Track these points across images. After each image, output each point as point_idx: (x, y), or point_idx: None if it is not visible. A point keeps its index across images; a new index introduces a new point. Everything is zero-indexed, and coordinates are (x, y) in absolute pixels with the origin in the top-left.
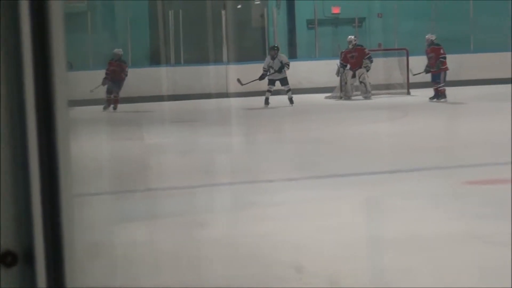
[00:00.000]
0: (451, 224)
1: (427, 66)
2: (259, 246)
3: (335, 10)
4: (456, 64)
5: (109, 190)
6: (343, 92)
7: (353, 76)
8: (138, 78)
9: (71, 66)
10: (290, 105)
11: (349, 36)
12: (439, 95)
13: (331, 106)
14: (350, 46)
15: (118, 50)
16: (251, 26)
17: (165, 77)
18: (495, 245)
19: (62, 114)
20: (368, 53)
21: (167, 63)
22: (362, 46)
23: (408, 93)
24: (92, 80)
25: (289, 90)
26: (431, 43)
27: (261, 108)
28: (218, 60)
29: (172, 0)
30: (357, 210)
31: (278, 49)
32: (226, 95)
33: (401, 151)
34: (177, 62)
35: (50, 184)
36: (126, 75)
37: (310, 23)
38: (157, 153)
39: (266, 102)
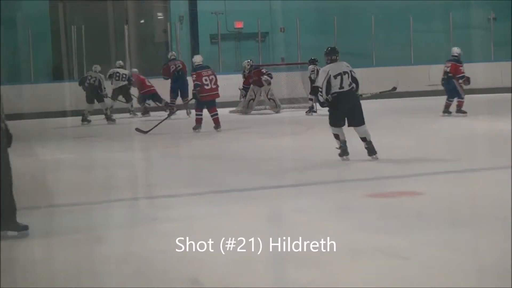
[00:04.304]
0: (352, 237)
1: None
2: (157, 261)
3: (238, 24)
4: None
5: None
6: (245, 107)
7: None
8: (40, 93)
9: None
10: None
11: (244, 62)
12: None
13: (235, 121)
14: (246, 72)
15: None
16: (154, 41)
17: (68, 92)
18: (394, 258)
19: None
20: (266, 71)
21: (70, 78)
22: (257, 67)
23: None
24: None
25: (310, 99)
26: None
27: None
28: None
29: (75, 15)
30: (258, 224)
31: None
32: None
33: (303, 165)
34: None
35: None
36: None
37: (213, 38)
38: (57, 169)
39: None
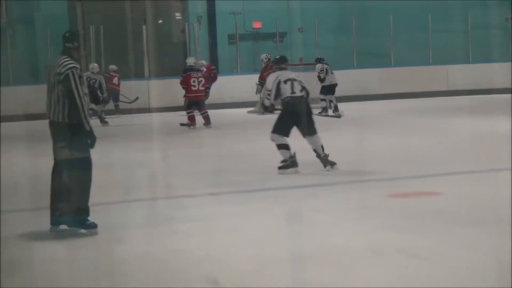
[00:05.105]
0: (371, 237)
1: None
2: (176, 261)
3: (256, 24)
4: (375, 78)
5: (26, 207)
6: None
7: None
8: None
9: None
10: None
11: (262, 55)
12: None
13: (252, 121)
14: (263, 65)
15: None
16: (172, 41)
17: None
18: (413, 258)
19: None
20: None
21: None
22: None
23: (330, 107)
24: (15, 96)
25: (323, 100)
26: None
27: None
28: (139, 75)
29: (93, 15)
30: (278, 224)
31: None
32: (148, 110)
33: (320, 165)
34: None
35: None
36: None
37: (231, 38)
38: None
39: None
